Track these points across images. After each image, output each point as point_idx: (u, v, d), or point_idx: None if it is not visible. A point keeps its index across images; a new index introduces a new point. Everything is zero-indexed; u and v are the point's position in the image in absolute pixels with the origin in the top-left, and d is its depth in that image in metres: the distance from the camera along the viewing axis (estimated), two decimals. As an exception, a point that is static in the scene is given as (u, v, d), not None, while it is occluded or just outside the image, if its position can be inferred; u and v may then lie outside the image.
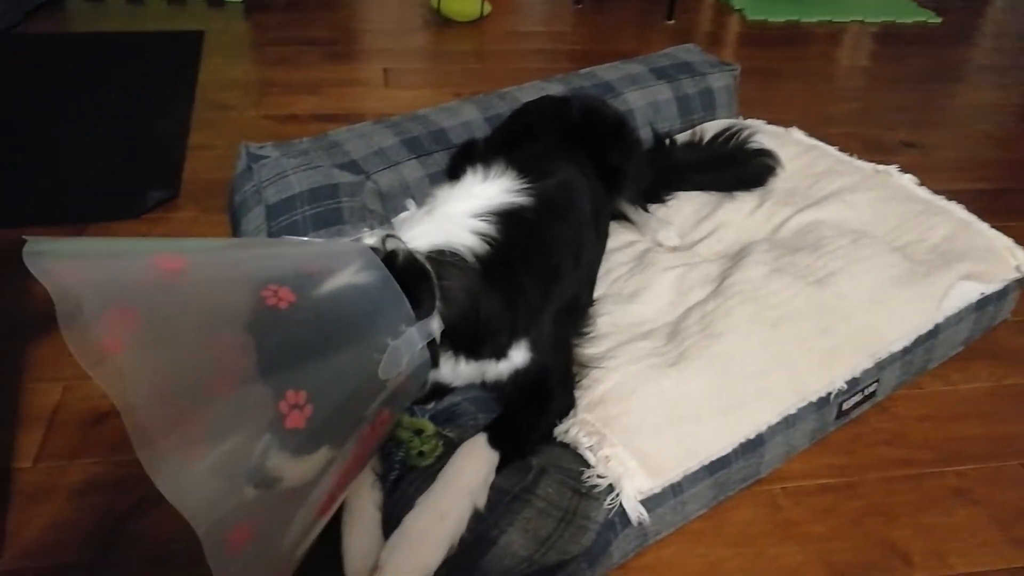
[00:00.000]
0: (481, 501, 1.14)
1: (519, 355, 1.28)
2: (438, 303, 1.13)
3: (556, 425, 1.29)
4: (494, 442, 1.19)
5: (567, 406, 1.31)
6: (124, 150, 2.40)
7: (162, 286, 0.88)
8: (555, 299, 1.33)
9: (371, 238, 1.16)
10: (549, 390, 1.30)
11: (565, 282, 1.37)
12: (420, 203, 1.73)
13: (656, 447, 1.25)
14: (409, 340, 1.05)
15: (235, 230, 1.65)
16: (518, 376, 1.29)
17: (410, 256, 1.13)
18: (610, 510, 1.19)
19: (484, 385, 1.33)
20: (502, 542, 1.11)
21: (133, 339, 0.82)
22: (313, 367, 0.93)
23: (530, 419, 1.28)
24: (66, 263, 0.83)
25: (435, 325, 1.12)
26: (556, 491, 1.17)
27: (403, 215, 1.72)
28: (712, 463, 1.29)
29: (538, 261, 1.31)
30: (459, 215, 1.26)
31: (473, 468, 1.16)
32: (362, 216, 1.59)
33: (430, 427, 1.23)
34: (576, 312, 1.47)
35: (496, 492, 1.15)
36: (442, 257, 1.17)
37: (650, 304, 1.57)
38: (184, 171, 2.30)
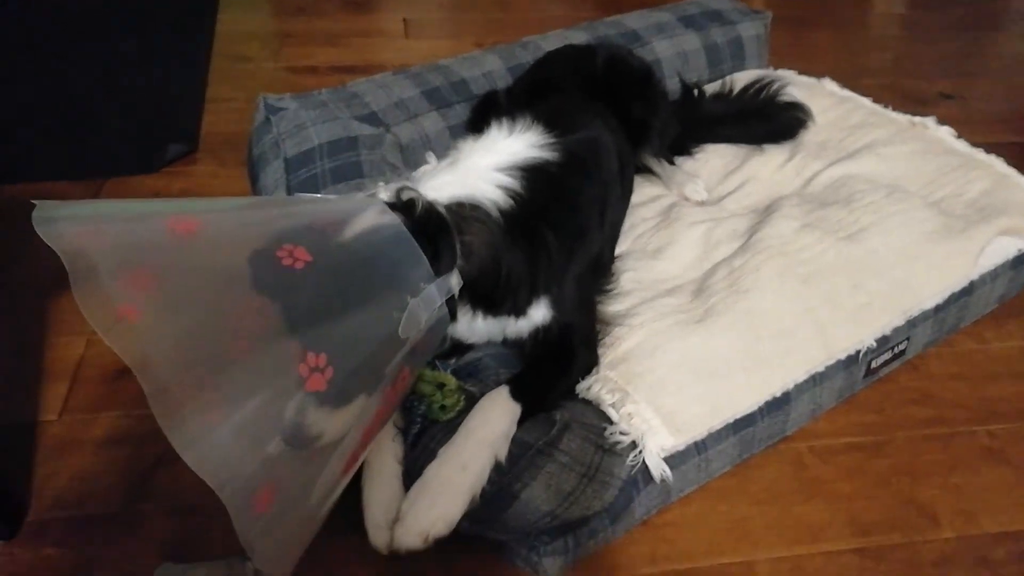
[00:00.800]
0: (503, 453, 1.13)
1: (539, 313, 1.26)
2: (459, 258, 1.11)
3: (579, 382, 1.27)
4: (516, 395, 1.18)
5: (590, 364, 1.29)
6: (142, 104, 2.38)
7: (176, 249, 0.86)
8: (579, 258, 1.30)
9: (386, 192, 1.13)
10: (572, 347, 1.28)
11: (590, 240, 1.34)
12: (441, 156, 1.70)
13: (680, 404, 1.24)
14: (428, 297, 1.03)
15: (253, 184, 1.63)
16: (539, 334, 1.27)
17: (429, 207, 1.10)
18: (633, 467, 1.17)
19: (505, 342, 1.31)
20: (525, 496, 1.10)
21: (148, 303, 0.81)
22: (332, 328, 0.91)
23: (553, 375, 1.26)
24: (77, 228, 0.82)
25: (455, 281, 1.10)
26: (579, 446, 1.15)
27: (423, 168, 1.69)
28: (737, 421, 1.27)
29: (563, 219, 1.28)
30: (483, 168, 1.22)
31: (495, 419, 1.15)
32: (382, 170, 1.57)
33: (452, 381, 1.22)
34: (599, 270, 1.44)
35: (519, 446, 1.14)
36: (463, 211, 1.15)
37: (676, 260, 1.54)
38: (203, 124, 2.28)
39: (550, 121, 1.34)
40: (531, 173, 1.24)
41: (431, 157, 1.71)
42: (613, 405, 1.23)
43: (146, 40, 2.72)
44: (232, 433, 0.81)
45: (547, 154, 1.29)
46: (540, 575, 1.17)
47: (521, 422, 1.18)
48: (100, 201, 1.00)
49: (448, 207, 1.13)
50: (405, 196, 1.10)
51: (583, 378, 1.27)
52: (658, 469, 1.18)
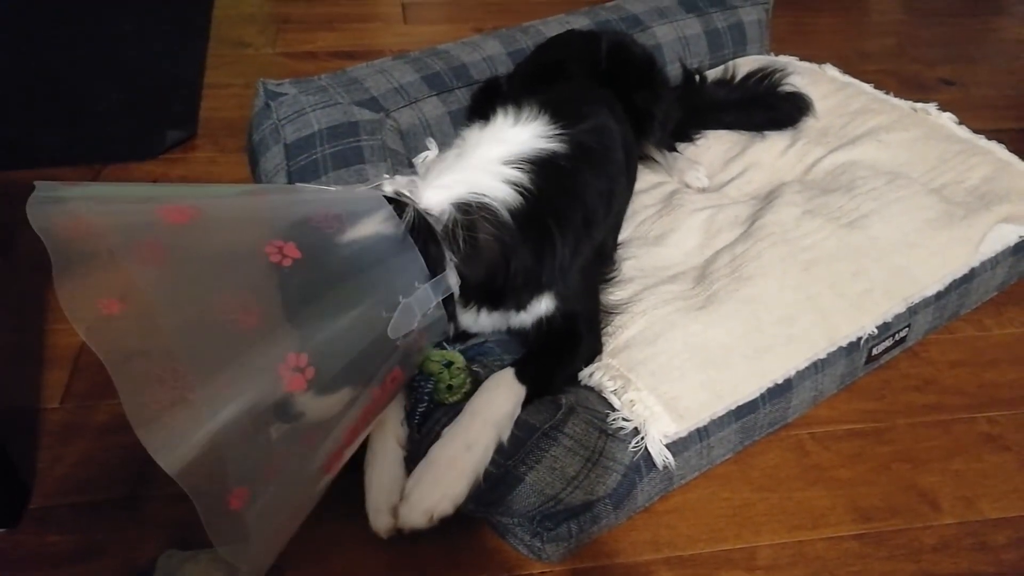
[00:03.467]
0: (506, 434, 1.14)
1: (543, 305, 1.26)
2: (462, 255, 1.10)
3: (582, 368, 1.28)
4: (521, 377, 1.19)
5: (594, 349, 1.29)
6: (140, 89, 2.37)
7: (167, 238, 0.85)
8: (584, 250, 1.30)
9: (388, 185, 1.13)
10: (577, 333, 1.28)
11: (595, 232, 1.34)
12: (441, 143, 1.70)
13: (682, 391, 1.24)
14: (422, 298, 1.02)
15: (253, 170, 1.62)
16: (542, 324, 1.27)
17: (420, 214, 1.09)
18: (635, 453, 1.18)
19: (509, 331, 1.31)
20: (530, 479, 1.10)
21: (130, 298, 0.80)
22: (317, 328, 0.91)
23: (557, 359, 1.27)
24: (66, 216, 0.81)
25: (452, 280, 1.09)
26: (583, 430, 1.16)
27: (424, 155, 1.68)
28: (739, 408, 1.27)
29: (570, 213, 1.27)
30: (491, 162, 1.21)
31: (500, 400, 1.16)
32: (382, 156, 1.56)
33: (460, 359, 1.22)
34: (602, 258, 1.44)
35: (524, 429, 1.14)
36: (472, 211, 1.14)
37: (677, 247, 1.54)
38: (201, 110, 2.26)
39: (557, 110, 1.33)
40: (539, 166, 1.23)
41: (431, 143, 1.71)
42: (615, 392, 1.23)
43: (144, 25, 2.71)
44: (208, 435, 0.80)
45: (555, 145, 1.28)
46: (543, 560, 1.18)
47: (525, 405, 1.18)
48: (95, 185, 0.99)
49: (457, 206, 1.12)
50: (405, 194, 1.09)
51: (587, 364, 1.28)
52: (660, 456, 1.18)
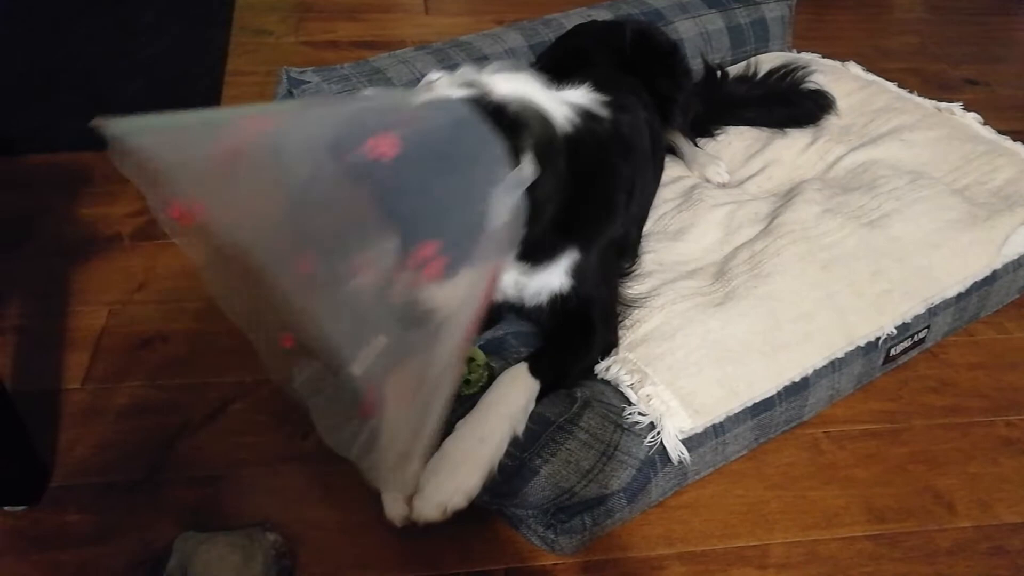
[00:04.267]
0: (520, 427, 1.14)
1: (559, 272, 1.24)
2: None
3: (597, 361, 1.28)
4: (535, 371, 1.19)
5: (609, 343, 1.29)
6: (162, 76, 2.38)
7: (259, 145, 0.88)
8: (605, 232, 1.29)
9: (458, 85, 1.09)
10: (592, 324, 1.28)
11: (615, 220, 1.33)
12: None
13: (698, 387, 1.24)
14: (512, 183, 0.99)
15: (275, 157, 1.63)
16: (556, 303, 1.26)
17: (501, 100, 1.06)
18: (650, 447, 1.18)
19: (522, 311, 1.30)
20: (545, 471, 1.11)
21: (226, 205, 0.84)
22: (433, 217, 0.91)
23: (572, 351, 1.26)
24: (154, 135, 0.88)
25: (528, 171, 1.04)
26: (598, 424, 1.16)
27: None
28: (755, 405, 1.27)
29: (601, 189, 1.25)
30: (551, 94, 1.19)
31: (514, 394, 1.16)
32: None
33: (481, 356, 1.23)
34: (624, 250, 1.43)
35: (539, 422, 1.15)
36: (530, 113, 1.10)
37: (697, 242, 1.53)
38: (223, 98, 2.27)
39: (598, 86, 1.32)
40: (587, 123, 1.20)
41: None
42: (632, 386, 1.23)
43: (165, 13, 2.72)
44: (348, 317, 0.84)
45: (602, 113, 1.26)
46: (556, 552, 1.18)
47: (540, 398, 1.18)
48: (169, 114, 1.06)
49: (526, 108, 1.09)
50: (480, 87, 1.07)
51: (602, 357, 1.28)
52: (676, 451, 1.18)
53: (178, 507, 1.23)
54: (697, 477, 1.28)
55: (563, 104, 1.18)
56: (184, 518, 1.20)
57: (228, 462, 1.30)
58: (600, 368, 1.27)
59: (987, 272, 1.52)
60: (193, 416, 1.36)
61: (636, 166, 1.40)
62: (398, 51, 1.81)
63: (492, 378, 1.20)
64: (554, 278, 1.25)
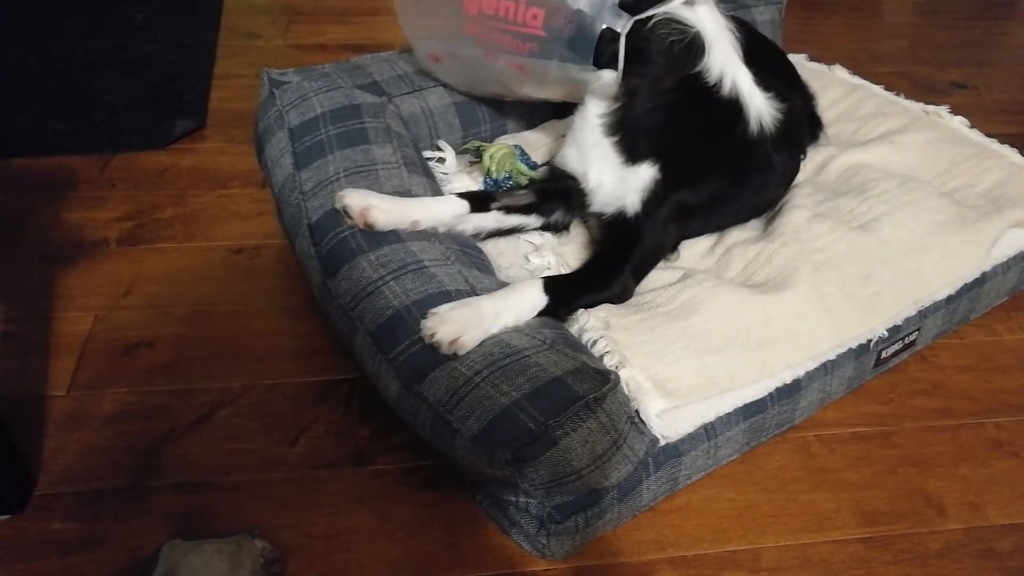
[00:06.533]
0: (519, 323, 1.19)
1: (635, 197, 1.36)
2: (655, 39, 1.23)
3: (603, 300, 1.32)
4: (547, 288, 1.24)
5: (626, 292, 1.35)
6: (149, 78, 2.37)
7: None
8: (691, 195, 1.38)
9: None
10: (623, 264, 1.34)
11: (706, 200, 1.42)
12: (444, 135, 1.72)
13: (672, 374, 1.22)
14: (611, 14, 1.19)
15: (259, 157, 1.61)
16: (616, 223, 1.37)
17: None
18: (646, 448, 1.16)
19: (587, 212, 1.45)
20: (563, 444, 1.06)
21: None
22: None
23: (588, 283, 1.32)
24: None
25: (621, 24, 1.20)
26: (617, 411, 1.13)
27: None
28: (747, 406, 1.26)
29: (715, 163, 1.38)
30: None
31: (523, 297, 1.22)
32: (388, 138, 1.53)
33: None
34: (692, 222, 1.49)
35: (569, 394, 1.09)
36: (676, 26, 1.24)
37: (688, 249, 1.53)
38: (211, 101, 2.26)
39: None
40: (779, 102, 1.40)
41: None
42: (614, 367, 1.22)
43: (154, 15, 2.71)
44: None
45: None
46: (546, 558, 1.17)
47: (541, 315, 1.23)
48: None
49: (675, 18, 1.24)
50: None
51: (610, 301, 1.32)
52: (654, 424, 1.17)
53: (165, 514, 1.21)
54: (688, 482, 1.27)
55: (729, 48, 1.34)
56: (171, 525, 1.19)
57: (216, 468, 1.28)
58: (588, 338, 1.27)
59: (977, 274, 1.52)
60: (180, 422, 1.35)
61: (775, 166, 1.50)
62: (382, 53, 1.80)
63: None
64: (631, 196, 1.35)
